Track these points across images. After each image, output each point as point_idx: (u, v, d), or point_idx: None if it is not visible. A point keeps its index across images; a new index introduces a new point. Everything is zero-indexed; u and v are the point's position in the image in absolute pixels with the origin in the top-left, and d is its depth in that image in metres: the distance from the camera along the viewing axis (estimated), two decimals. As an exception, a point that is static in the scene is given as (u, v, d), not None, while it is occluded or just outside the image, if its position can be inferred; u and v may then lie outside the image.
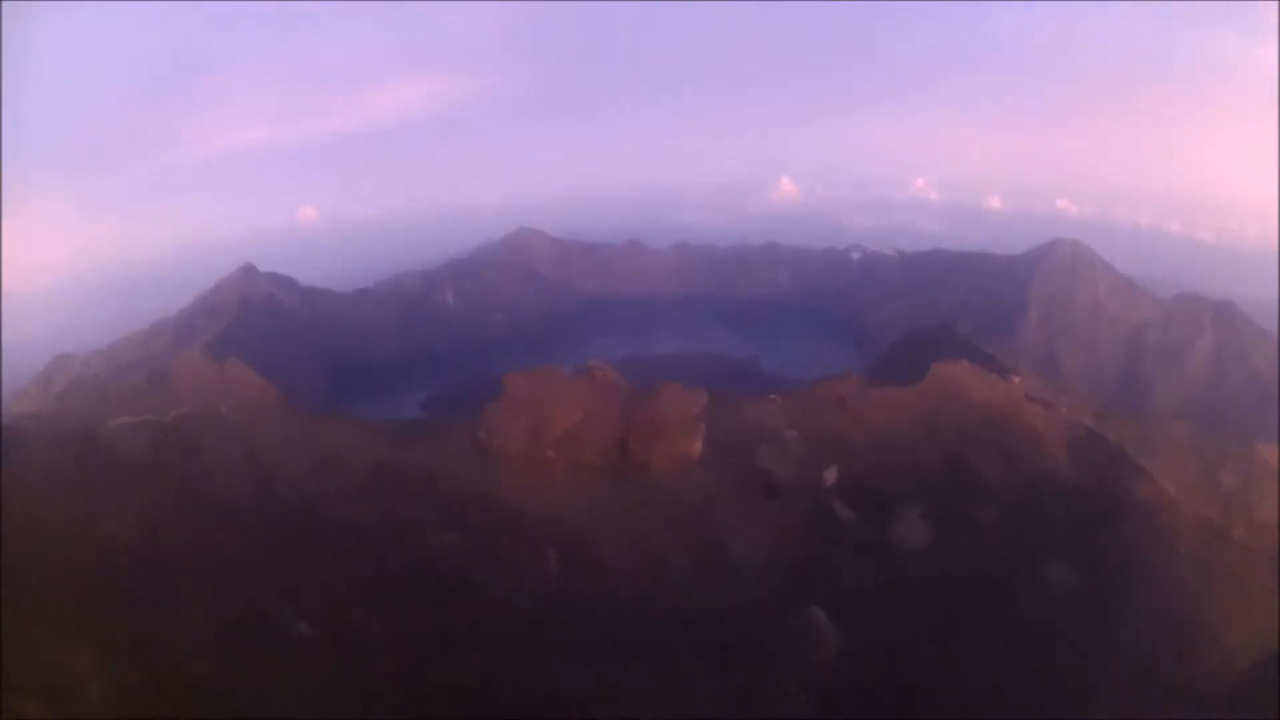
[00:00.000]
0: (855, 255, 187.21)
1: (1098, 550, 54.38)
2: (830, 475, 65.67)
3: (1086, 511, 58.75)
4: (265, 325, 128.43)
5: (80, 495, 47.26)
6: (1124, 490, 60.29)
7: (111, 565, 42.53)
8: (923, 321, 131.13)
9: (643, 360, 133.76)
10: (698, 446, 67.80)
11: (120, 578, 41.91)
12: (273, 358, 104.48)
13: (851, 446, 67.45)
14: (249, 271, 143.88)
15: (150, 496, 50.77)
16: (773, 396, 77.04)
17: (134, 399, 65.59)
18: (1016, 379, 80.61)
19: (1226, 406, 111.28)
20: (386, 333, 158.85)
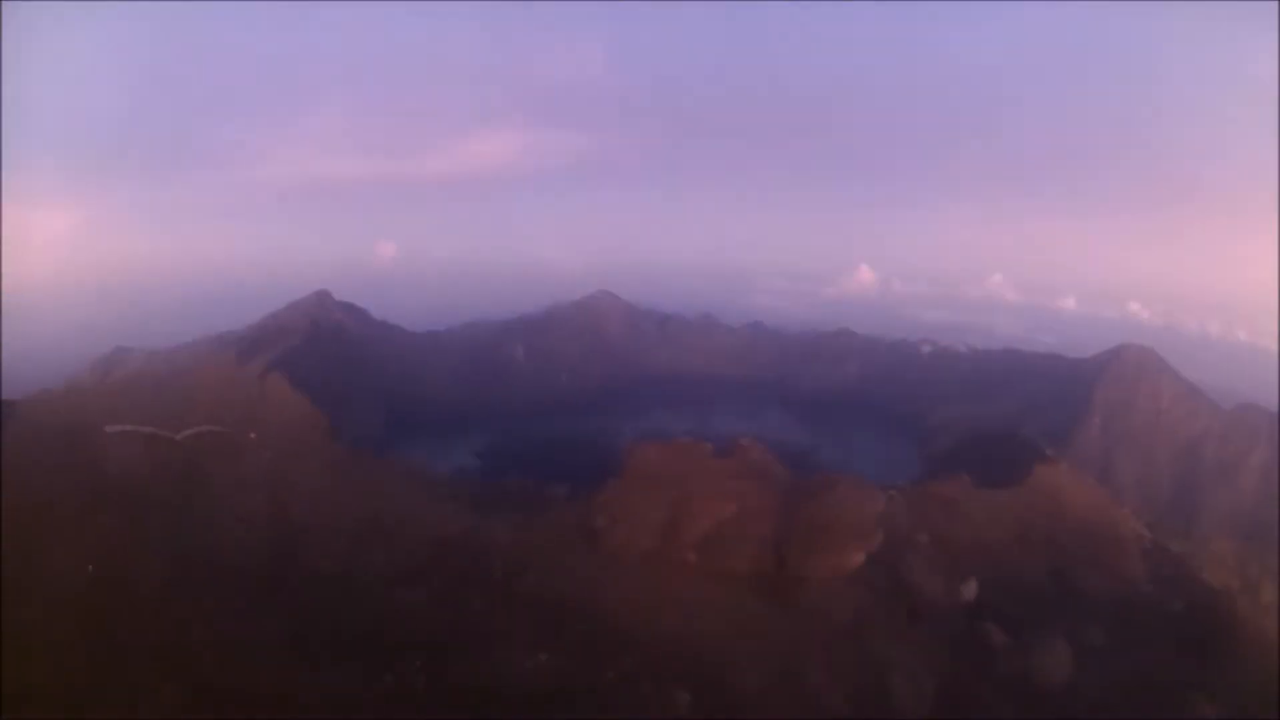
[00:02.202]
0: (926, 349, 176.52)
1: (1239, 679, 50.18)
2: (969, 591, 55.77)
3: (1199, 634, 54.28)
4: (331, 352, 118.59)
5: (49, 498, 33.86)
6: (1224, 611, 57.79)
7: (55, 602, 31.21)
8: (987, 422, 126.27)
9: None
10: (860, 559, 50.68)
11: (62, 622, 30.30)
12: (332, 386, 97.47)
13: (970, 554, 58.78)
14: (323, 296, 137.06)
15: (129, 524, 36.36)
16: (893, 492, 66.97)
17: (152, 404, 52.40)
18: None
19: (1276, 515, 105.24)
20: (451, 378, 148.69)
